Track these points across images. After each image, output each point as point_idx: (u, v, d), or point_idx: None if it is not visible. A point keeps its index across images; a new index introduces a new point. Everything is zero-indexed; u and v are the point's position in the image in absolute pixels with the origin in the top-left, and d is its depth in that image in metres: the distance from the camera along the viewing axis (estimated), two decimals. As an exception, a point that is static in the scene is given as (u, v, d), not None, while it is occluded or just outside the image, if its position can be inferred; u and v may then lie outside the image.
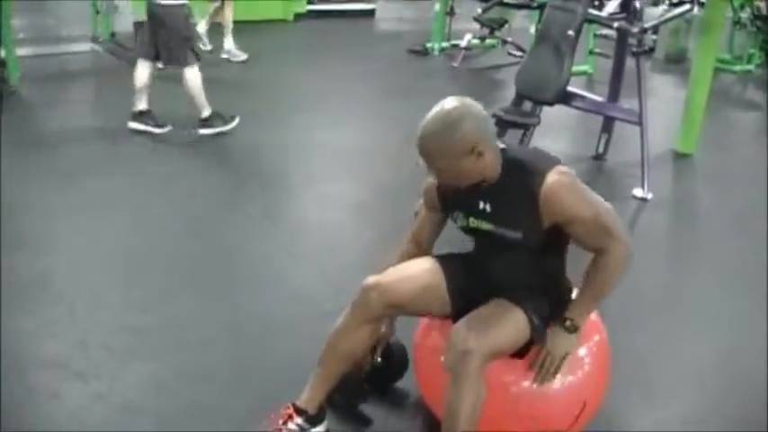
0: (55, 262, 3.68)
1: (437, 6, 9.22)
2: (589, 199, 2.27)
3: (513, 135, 5.19)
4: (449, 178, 2.29)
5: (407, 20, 11.10)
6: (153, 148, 5.35)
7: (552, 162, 2.28)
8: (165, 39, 5.35)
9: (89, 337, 3.08)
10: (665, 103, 7.39)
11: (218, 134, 5.61)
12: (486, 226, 2.36)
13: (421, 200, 2.60)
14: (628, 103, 5.50)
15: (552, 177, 2.21)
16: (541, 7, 5.66)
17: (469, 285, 2.46)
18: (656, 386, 3.11)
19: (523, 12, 9.10)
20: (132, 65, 5.63)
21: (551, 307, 2.39)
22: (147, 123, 5.54)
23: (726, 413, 2.96)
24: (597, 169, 5.69)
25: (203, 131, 5.60)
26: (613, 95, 5.68)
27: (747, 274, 4.19)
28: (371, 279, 2.45)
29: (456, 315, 2.40)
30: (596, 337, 2.56)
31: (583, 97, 5.52)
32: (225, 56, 7.94)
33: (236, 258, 3.94)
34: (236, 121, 5.66)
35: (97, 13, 7.90)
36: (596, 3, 5.68)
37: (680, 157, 6.07)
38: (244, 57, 7.98)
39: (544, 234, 2.28)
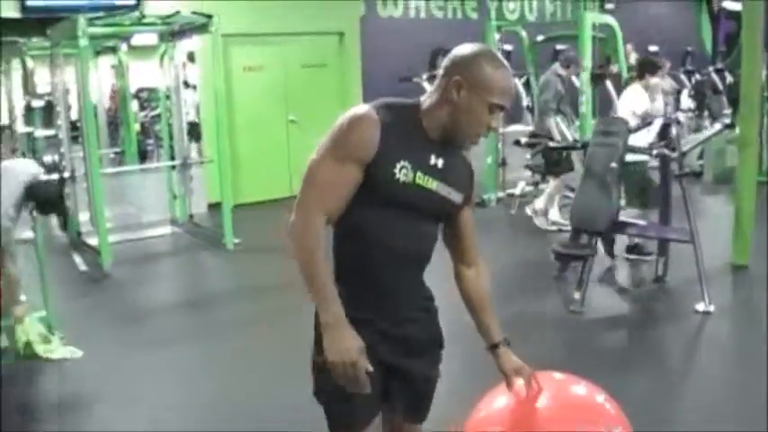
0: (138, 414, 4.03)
1: (489, 159, 9.53)
2: None
3: (573, 268, 5.48)
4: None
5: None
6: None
7: None
8: None
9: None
10: (717, 220, 7.60)
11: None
12: (432, 185, 2.07)
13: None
14: (681, 224, 5.74)
15: None
16: (585, 146, 6.06)
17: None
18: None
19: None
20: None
21: None
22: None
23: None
24: (659, 290, 5.92)
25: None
26: (664, 219, 5.97)
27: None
28: None
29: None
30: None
31: (634, 224, 5.83)
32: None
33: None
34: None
35: (175, 198, 8.55)
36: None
37: (736, 269, 6.27)
38: None
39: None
